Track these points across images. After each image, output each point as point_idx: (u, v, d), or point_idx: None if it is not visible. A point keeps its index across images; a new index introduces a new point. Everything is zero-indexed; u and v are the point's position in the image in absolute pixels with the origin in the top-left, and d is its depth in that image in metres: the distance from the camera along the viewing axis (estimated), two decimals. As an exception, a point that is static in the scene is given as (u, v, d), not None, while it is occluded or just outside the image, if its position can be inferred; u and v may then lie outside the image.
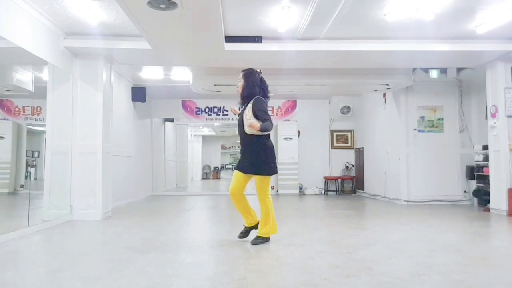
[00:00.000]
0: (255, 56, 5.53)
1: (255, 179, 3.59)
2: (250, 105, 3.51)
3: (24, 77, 5.04)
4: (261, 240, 3.57)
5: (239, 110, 3.77)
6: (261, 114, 3.44)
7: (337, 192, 9.91)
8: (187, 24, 4.41)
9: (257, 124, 3.38)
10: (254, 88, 3.54)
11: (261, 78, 3.62)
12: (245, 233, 3.74)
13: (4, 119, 5.46)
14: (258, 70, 3.64)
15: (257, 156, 3.49)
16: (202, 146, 19.99)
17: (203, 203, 7.86)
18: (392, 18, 4.60)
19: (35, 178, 5.57)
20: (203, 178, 19.90)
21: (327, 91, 8.71)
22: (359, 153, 9.71)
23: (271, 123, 3.48)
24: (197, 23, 4.38)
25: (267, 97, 3.62)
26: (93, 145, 5.35)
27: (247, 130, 3.48)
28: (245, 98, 3.59)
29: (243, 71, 3.66)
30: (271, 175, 3.56)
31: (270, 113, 3.59)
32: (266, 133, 3.50)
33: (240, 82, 3.62)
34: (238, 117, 3.71)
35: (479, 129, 7.11)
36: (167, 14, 4.01)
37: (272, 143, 3.62)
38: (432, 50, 5.46)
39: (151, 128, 9.74)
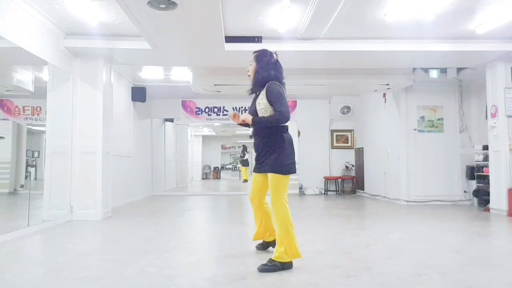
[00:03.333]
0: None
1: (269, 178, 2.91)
2: (263, 92, 2.90)
3: (24, 77, 5.04)
4: (272, 266, 2.73)
5: (250, 94, 3.17)
6: (275, 102, 2.83)
7: (337, 192, 9.91)
8: (187, 24, 4.42)
9: (249, 117, 2.88)
10: (269, 71, 2.94)
11: (277, 60, 3.02)
12: (263, 245, 3.32)
13: (4, 119, 5.46)
14: (274, 52, 3.06)
15: (270, 151, 2.90)
16: (202, 146, 19.98)
17: (203, 203, 7.86)
18: (392, 18, 4.61)
19: (35, 178, 5.58)
20: (203, 178, 19.89)
21: (327, 91, 8.72)
22: (359, 153, 9.71)
23: (282, 114, 2.81)
24: (197, 23, 4.38)
25: (283, 84, 2.99)
26: (93, 145, 5.35)
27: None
28: (258, 83, 2.98)
29: (254, 52, 3.09)
30: (285, 174, 2.85)
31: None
32: (282, 124, 2.92)
33: (251, 66, 3.05)
34: (248, 107, 3.15)
35: (479, 129, 7.10)
36: (167, 14, 4.02)
37: (290, 137, 3.01)
38: (432, 50, 5.46)
39: (151, 128, 9.74)
